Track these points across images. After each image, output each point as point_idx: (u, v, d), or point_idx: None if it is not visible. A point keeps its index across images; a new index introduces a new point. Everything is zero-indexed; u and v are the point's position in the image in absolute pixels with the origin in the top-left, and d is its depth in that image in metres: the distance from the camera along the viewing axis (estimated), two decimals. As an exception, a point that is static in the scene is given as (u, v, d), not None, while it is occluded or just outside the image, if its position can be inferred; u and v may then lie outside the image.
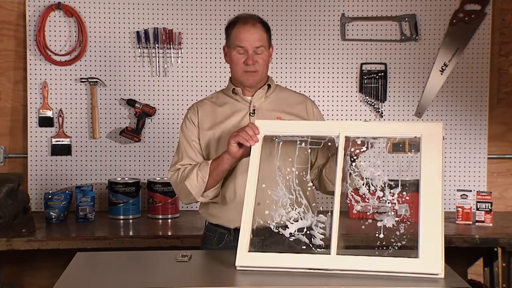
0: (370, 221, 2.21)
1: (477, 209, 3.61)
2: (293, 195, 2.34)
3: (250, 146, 2.35)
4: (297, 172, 2.37)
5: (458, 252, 3.57)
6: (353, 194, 2.27)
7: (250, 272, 2.13)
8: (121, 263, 2.38)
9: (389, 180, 2.22)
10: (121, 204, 3.75)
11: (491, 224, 3.58)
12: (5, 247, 3.27)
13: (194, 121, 2.65)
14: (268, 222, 2.32)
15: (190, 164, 2.61)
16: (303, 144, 2.36)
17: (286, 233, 2.27)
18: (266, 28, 2.62)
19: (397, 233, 2.17)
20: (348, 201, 2.27)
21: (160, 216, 3.76)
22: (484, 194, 3.62)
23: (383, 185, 2.22)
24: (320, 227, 2.25)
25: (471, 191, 3.63)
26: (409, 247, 2.13)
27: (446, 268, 2.11)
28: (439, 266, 2.06)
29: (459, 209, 3.61)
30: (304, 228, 2.27)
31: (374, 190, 2.22)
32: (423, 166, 2.18)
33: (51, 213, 3.56)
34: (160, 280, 2.11)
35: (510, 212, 4.01)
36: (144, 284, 2.07)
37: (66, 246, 3.29)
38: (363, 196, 2.24)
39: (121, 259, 2.46)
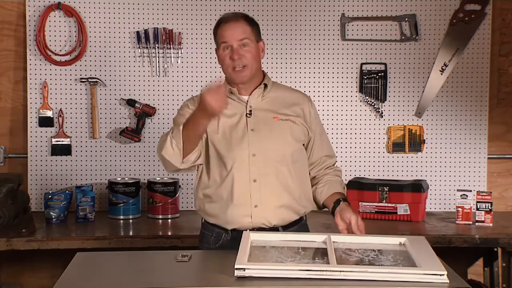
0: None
1: (477, 209, 3.61)
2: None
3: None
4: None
5: (458, 252, 3.57)
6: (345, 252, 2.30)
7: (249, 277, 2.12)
8: (121, 263, 2.38)
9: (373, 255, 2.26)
10: (121, 204, 3.75)
11: (491, 224, 3.58)
12: (5, 247, 3.27)
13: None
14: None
15: None
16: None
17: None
18: (251, 22, 2.59)
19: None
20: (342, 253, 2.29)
21: (160, 216, 3.76)
22: (484, 194, 3.62)
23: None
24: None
25: (471, 191, 3.63)
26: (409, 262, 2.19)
27: (446, 268, 2.11)
28: (442, 269, 2.08)
29: (459, 209, 3.61)
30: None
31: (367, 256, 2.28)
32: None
33: (51, 213, 3.56)
34: (160, 280, 2.11)
35: (510, 212, 4.01)
36: (144, 284, 2.07)
37: (66, 246, 3.28)
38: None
39: (121, 259, 2.46)
